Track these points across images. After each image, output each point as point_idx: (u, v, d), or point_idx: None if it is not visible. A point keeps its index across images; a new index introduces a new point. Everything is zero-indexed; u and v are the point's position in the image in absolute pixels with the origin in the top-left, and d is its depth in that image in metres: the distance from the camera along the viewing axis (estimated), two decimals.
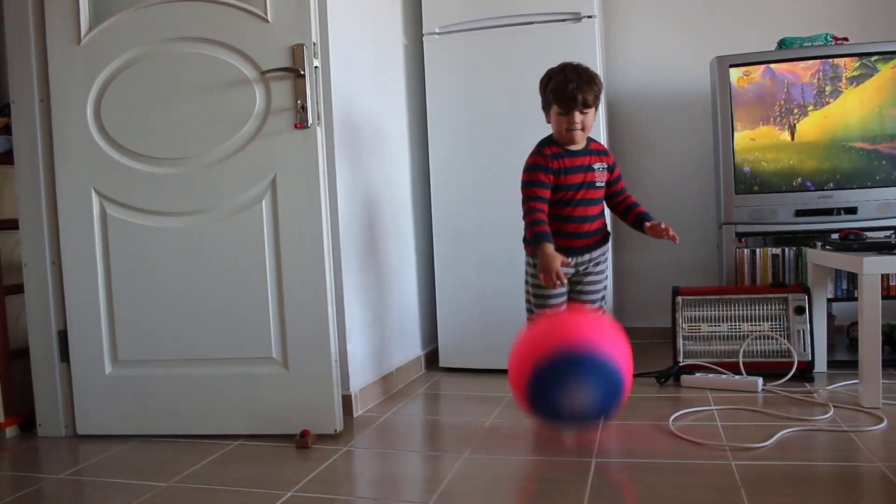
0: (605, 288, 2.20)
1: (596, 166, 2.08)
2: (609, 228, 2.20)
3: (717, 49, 2.90)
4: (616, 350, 1.76)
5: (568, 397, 1.71)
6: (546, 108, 2.08)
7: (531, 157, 2.09)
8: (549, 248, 1.96)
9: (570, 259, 2.07)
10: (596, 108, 2.05)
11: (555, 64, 2.07)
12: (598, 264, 2.14)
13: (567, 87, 1.98)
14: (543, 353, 1.72)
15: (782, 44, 2.77)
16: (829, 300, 2.56)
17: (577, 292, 2.15)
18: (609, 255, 2.25)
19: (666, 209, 3.28)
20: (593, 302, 2.17)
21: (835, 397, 2.18)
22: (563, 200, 2.06)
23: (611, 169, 2.13)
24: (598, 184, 2.08)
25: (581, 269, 2.12)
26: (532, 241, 2.01)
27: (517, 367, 1.79)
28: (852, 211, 2.63)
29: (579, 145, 2.08)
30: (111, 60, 2.08)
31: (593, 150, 2.10)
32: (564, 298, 2.15)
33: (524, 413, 1.89)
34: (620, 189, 2.17)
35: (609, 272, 2.26)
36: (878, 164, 2.63)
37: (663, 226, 2.03)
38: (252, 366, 2.06)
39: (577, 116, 2.00)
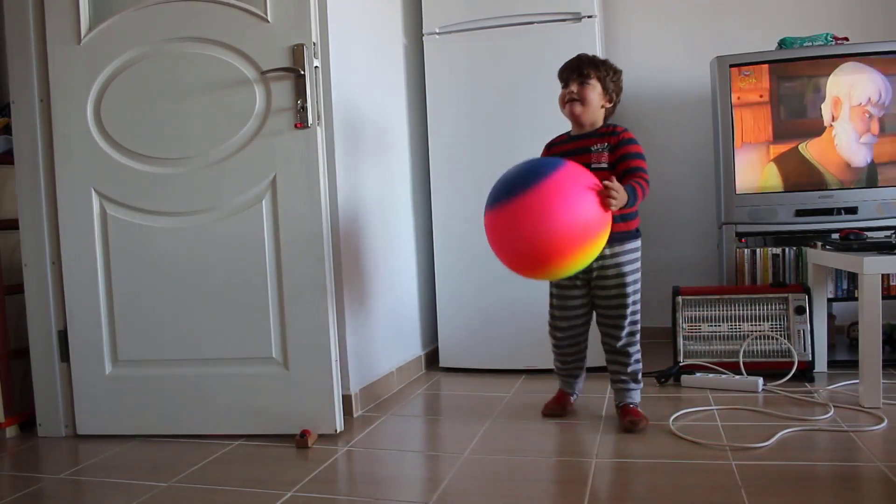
0: (625, 300, 1.96)
1: (594, 147, 1.96)
2: (633, 228, 2.00)
3: (717, 49, 2.90)
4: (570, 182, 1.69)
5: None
6: None
7: None
8: None
9: None
10: (606, 91, 1.98)
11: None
12: (607, 268, 1.96)
13: (567, 62, 2.02)
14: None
15: (782, 44, 2.77)
16: (829, 300, 2.56)
17: (593, 301, 2.04)
18: (632, 264, 1.99)
19: (666, 209, 3.28)
20: (605, 316, 2.00)
21: (835, 397, 2.18)
22: None
23: (612, 148, 1.95)
24: (593, 165, 1.92)
25: (599, 272, 1.98)
26: None
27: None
28: (852, 211, 2.63)
29: (586, 127, 2.00)
30: (111, 60, 2.08)
31: (602, 132, 1.98)
32: (578, 302, 2.04)
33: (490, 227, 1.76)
34: (624, 169, 1.93)
35: (636, 286, 2.00)
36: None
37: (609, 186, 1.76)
38: (252, 366, 2.06)
39: (574, 86, 1.97)
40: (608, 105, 2.02)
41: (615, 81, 2.01)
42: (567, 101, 1.99)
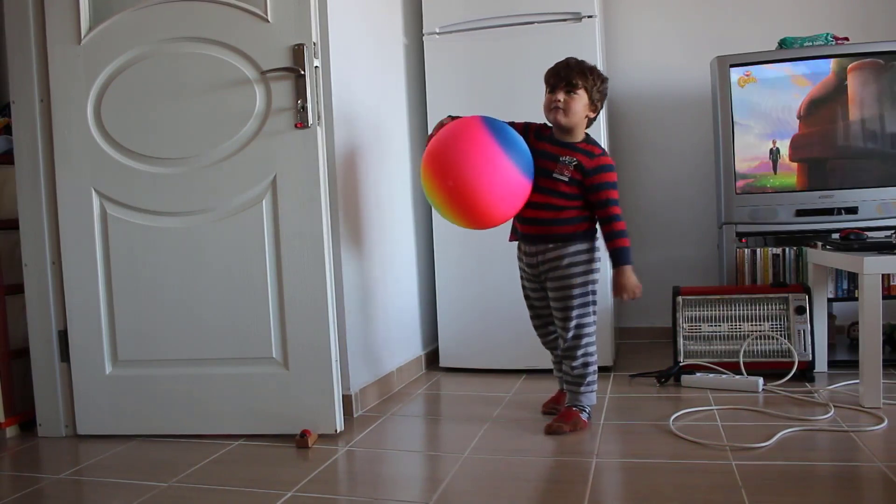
0: (570, 302, 1.98)
1: (562, 158, 1.96)
2: (581, 230, 1.99)
3: (717, 49, 2.90)
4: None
5: None
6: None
7: None
8: None
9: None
10: (591, 101, 1.99)
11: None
12: (553, 268, 1.99)
13: (556, 66, 2.00)
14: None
15: (782, 44, 2.77)
16: (829, 300, 2.56)
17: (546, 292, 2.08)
18: (577, 266, 1.99)
19: (666, 209, 3.28)
20: (555, 316, 2.03)
21: (835, 397, 2.18)
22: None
23: (584, 171, 1.95)
24: (555, 175, 1.95)
25: (543, 267, 2.02)
26: None
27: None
28: (853, 211, 2.63)
29: (568, 136, 2.00)
30: (111, 60, 2.08)
31: (579, 147, 1.98)
32: (536, 294, 2.10)
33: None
34: (597, 202, 1.96)
35: (591, 277, 2.01)
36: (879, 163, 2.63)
37: (624, 295, 1.96)
38: (252, 366, 2.06)
39: (561, 94, 1.96)
40: (592, 115, 2.03)
41: (601, 91, 2.01)
42: (552, 109, 1.98)
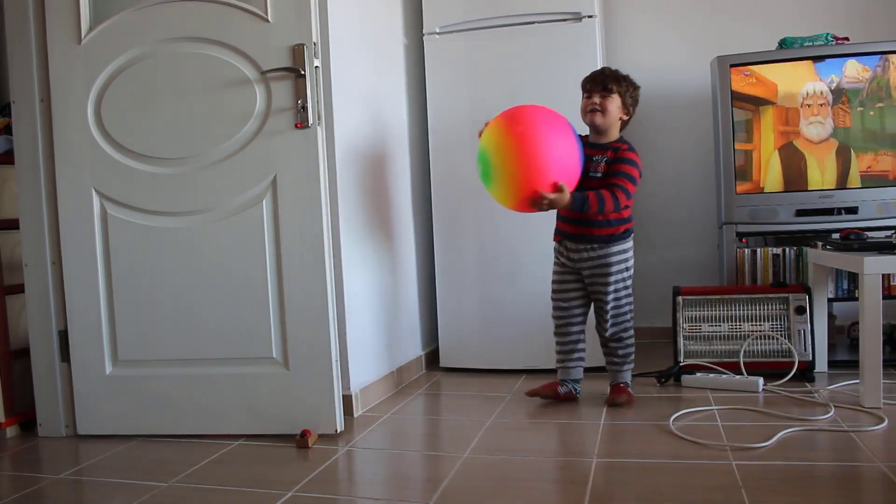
0: (608, 297, 2.21)
1: (595, 157, 2.16)
2: (619, 231, 2.19)
3: (717, 49, 2.89)
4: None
5: None
6: None
7: None
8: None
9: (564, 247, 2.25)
10: (624, 105, 2.17)
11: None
12: (595, 266, 2.20)
13: (592, 73, 2.21)
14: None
15: (783, 44, 2.76)
16: (829, 300, 2.56)
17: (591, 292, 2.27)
18: (618, 264, 2.20)
19: (666, 209, 3.28)
20: (595, 309, 2.26)
21: (835, 397, 2.18)
22: None
23: (610, 162, 2.15)
24: (590, 173, 2.14)
25: (584, 265, 2.21)
26: None
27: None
28: (853, 211, 2.63)
29: (603, 138, 2.18)
30: (111, 60, 2.08)
31: (609, 146, 2.17)
32: (569, 288, 2.26)
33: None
34: (609, 176, 2.14)
35: (625, 282, 2.24)
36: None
37: (541, 196, 1.99)
38: (252, 366, 2.06)
39: (597, 97, 2.14)
40: (625, 118, 2.21)
41: (633, 96, 2.20)
42: (589, 111, 2.16)
